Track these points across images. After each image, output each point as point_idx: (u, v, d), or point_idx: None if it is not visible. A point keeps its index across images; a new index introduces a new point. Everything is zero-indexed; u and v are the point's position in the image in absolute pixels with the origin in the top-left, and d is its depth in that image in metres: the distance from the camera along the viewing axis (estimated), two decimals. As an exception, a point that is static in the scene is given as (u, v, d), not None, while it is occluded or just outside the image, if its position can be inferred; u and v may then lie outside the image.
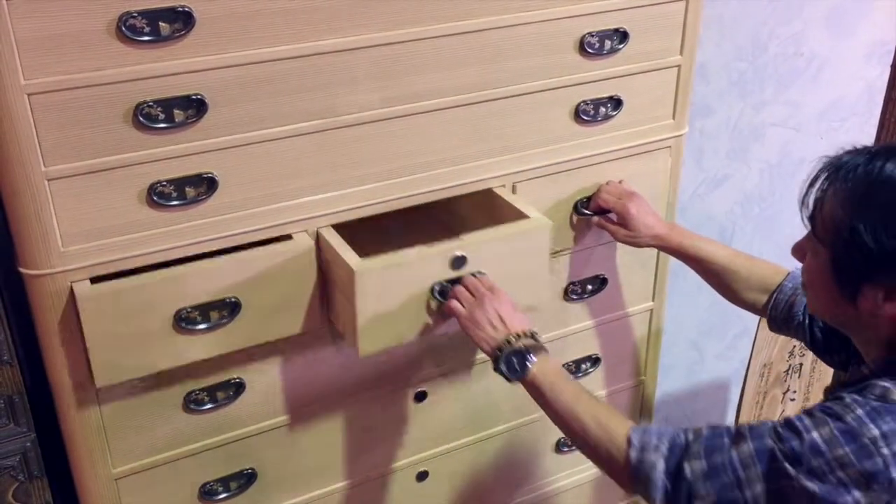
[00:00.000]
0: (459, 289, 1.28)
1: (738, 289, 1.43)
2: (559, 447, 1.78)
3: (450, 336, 1.52)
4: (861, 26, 2.02)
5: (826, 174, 1.05)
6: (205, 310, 1.23)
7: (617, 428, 1.12)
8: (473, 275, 1.29)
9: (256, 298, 1.26)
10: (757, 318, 1.97)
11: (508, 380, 1.23)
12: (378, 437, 1.55)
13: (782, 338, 2.00)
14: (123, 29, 1.08)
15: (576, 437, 1.18)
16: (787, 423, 1.00)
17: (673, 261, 1.85)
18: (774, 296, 1.39)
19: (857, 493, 0.95)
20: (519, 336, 1.23)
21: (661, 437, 1.08)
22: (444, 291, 1.28)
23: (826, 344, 1.31)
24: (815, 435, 0.96)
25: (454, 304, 1.27)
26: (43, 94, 1.07)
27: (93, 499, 1.32)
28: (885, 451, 0.93)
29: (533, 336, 1.25)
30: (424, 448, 1.61)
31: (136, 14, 1.07)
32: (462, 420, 1.63)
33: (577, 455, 1.83)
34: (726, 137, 2.01)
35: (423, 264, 1.26)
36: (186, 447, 1.36)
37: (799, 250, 1.13)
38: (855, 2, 1.98)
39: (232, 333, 1.26)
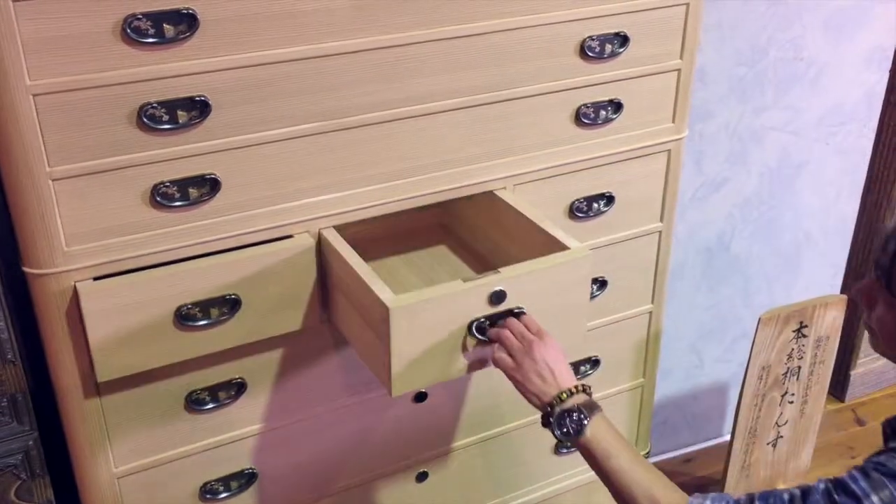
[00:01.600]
0: (505, 333, 1.20)
1: None
2: (558, 449, 1.79)
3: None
4: (860, 32, 2.03)
5: None
6: (205, 306, 1.24)
7: (674, 496, 1.09)
8: (515, 314, 1.21)
9: (256, 296, 1.27)
10: (756, 320, 1.98)
11: (560, 441, 1.18)
12: (378, 438, 1.56)
13: (780, 340, 2.01)
14: (128, 31, 1.08)
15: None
16: (842, 486, 0.95)
17: (672, 262, 1.86)
18: None
19: None
20: (571, 392, 1.17)
21: (717, 500, 1.05)
22: (482, 328, 1.20)
23: None
24: (874, 499, 0.92)
25: (500, 355, 1.20)
26: (48, 95, 1.08)
27: (94, 497, 1.33)
28: None
29: (584, 390, 1.18)
30: (424, 449, 1.62)
31: (140, 16, 1.08)
32: (461, 421, 1.63)
33: (576, 457, 1.84)
34: (726, 141, 2.02)
35: (461, 299, 1.18)
36: (188, 446, 1.37)
37: (866, 295, 1.08)
38: (854, 7, 1.99)
39: (232, 330, 1.27)
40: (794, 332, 2.01)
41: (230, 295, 1.25)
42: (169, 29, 1.10)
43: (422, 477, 1.64)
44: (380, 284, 1.17)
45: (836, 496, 0.94)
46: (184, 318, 1.23)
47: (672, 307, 2.12)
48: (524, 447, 1.74)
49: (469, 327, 1.21)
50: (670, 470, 2.33)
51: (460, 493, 1.71)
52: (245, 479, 1.44)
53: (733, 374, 2.36)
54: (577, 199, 1.53)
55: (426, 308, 1.16)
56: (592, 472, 1.86)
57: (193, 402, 1.34)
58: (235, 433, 1.40)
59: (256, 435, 1.42)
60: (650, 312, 1.76)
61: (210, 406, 1.35)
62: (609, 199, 1.57)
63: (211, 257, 1.24)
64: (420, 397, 1.56)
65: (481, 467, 1.71)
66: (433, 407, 1.58)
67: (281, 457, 1.46)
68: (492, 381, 1.62)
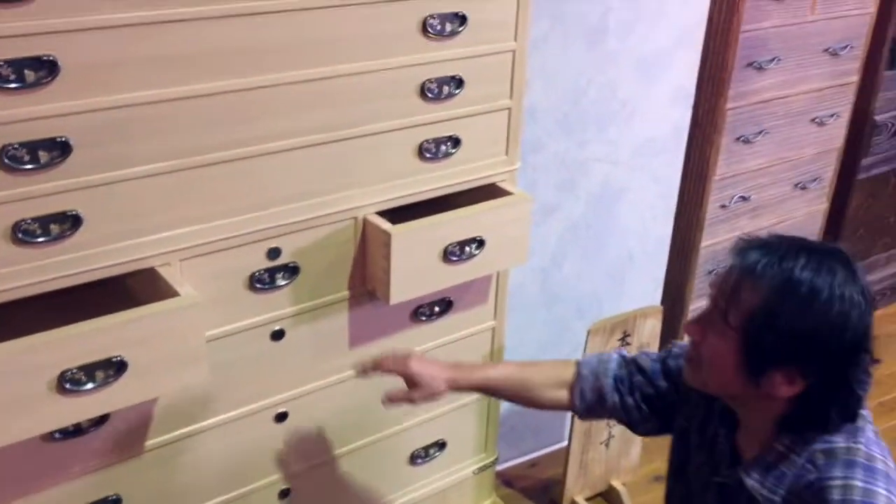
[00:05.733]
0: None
1: (537, 395, 1.51)
2: (413, 459, 1.91)
3: (305, 356, 1.62)
4: (665, 74, 2.30)
5: (739, 272, 1.16)
6: (90, 370, 1.23)
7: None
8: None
9: (143, 356, 1.27)
10: (585, 334, 2.19)
11: None
12: (240, 458, 1.62)
13: (608, 349, 2.22)
14: (-12, 75, 1.12)
15: None
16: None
17: (512, 282, 2.03)
18: (577, 387, 1.48)
19: None
20: None
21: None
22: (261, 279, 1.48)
23: (640, 415, 1.46)
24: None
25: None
26: None
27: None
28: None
29: None
30: (287, 466, 1.69)
31: (2, 63, 1.12)
32: (322, 437, 1.72)
33: (430, 466, 1.96)
34: (555, 171, 2.22)
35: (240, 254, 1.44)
36: (50, 476, 1.38)
37: (697, 329, 1.21)
38: (659, 53, 2.26)
39: (119, 392, 1.27)
40: (619, 340, 2.23)
41: (116, 357, 1.24)
42: (30, 74, 1.15)
43: (284, 494, 1.71)
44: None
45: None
46: (69, 382, 1.21)
47: (514, 323, 2.29)
48: (383, 459, 1.85)
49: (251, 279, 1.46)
50: (517, 474, 2.50)
51: (322, 507, 1.79)
52: (109, 507, 1.47)
53: (571, 383, 2.56)
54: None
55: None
56: (444, 482, 2.00)
57: (56, 432, 1.35)
58: (99, 461, 1.43)
59: (119, 462, 1.45)
60: (493, 328, 1.91)
61: (72, 435, 1.37)
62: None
63: (94, 320, 1.22)
64: (281, 417, 1.64)
65: (342, 482, 1.80)
66: (294, 426, 1.66)
67: (145, 482, 1.50)
68: (349, 398, 1.72)
